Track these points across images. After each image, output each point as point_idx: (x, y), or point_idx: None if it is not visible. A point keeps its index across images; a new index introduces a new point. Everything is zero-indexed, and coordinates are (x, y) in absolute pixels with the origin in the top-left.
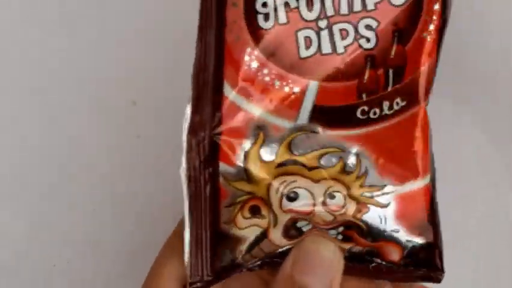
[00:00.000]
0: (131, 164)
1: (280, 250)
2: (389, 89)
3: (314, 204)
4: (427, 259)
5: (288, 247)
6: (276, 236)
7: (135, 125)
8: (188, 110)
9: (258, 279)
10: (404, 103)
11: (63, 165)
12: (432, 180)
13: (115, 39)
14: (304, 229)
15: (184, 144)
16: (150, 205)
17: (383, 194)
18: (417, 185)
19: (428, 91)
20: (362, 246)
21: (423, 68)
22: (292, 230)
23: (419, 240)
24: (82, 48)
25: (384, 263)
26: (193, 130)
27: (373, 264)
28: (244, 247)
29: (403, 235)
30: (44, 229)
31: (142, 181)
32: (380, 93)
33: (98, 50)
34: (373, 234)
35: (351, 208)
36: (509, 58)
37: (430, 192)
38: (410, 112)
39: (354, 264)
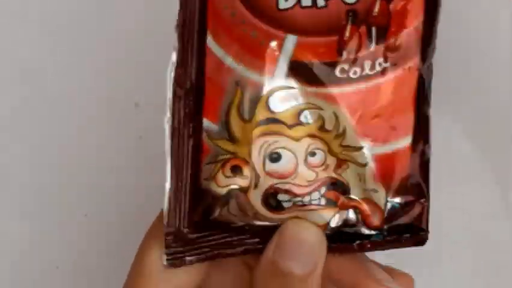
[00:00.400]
0: (133, 165)
1: (259, 223)
2: (371, 48)
3: (297, 164)
4: (408, 221)
5: (268, 223)
6: (255, 198)
7: (137, 127)
8: (173, 57)
9: (241, 265)
10: (387, 64)
11: (64, 166)
12: (424, 142)
13: (118, 40)
14: (284, 204)
15: (170, 95)
16: (153, 206)
17: (361, 154)
18: (397, 145)
19: (419, 51)
20: (345, 208)
21: (409, 30)
22: (271, 200)
23: (398, 201)
24: (83, 49)
25: (366, 232)
26: (178, 81)
27: (357, 242)
28: (222, 203)
29: (382, 195)
30: (45, 230)
31: (144, 182)
32: (361, 51)
33: (100, 50)
34: (354, 190)
35: (332, 164)
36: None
37: (411, 152)
38: (393, 74)
39: (338, 244)
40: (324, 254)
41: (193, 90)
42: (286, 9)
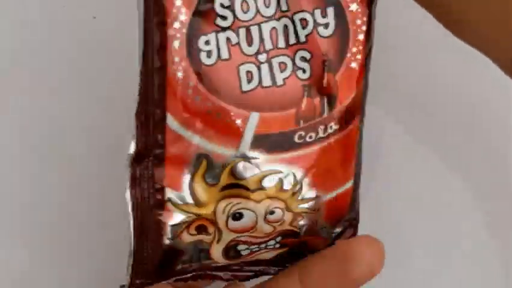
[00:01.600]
0: None
1: (214, 265)
2: (324, 115)
3: (256, 221)
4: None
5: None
6: (217, 252)
7: None
8: (132, 145)
9: None
10: (337, 126)
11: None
12: (356, 181)
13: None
14: (242, 252)
15: (129, 173)
16: None
17: (315, 202)
18: (343, 188)
19: (358, 113)
20: (292, 246)
21: (353, 95)
22: (232, 251)
23: (340, 229)
24: None
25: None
26: (137, 158)
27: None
28: (185, 258)
29: (329, 230)
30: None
31: None
32: (316, 119)
33: None
34: (305, 234)
35: (288, 219)
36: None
37: (351, 192)
38: (342, 133)
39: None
40: None
41: (154, 165)
42: (250, 91)
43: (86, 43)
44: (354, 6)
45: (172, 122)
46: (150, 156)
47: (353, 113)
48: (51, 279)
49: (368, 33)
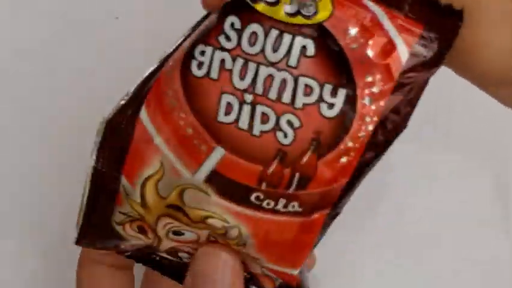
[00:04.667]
0: None
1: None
2: (290, 190)
3: (199, 238)
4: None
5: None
6: (158, 249)
7: None
8: (115, 106)
9: None
10: (300, 209)
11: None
12: (301, 272)
13: None
14: (184, 259)
15: (99, 137)
16: None
17: (258, 262)
18: (287, 271)
19: (329, 207)
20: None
21: (330, 187)
22: (172, 254)
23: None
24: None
25: None
26: (108, 132)
27: None
28: (127, 243)
29: (275, 278)
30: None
31: None
32: (280, 190)
33: None
34: (252, 266)
35: (233, 244)
36: None
37: (298, 280)
38: (301, 219)
39: None
40: (241, 274)
41: (119, 147)
42: (224, 123)
43: (108, 43)
44: (367, 101)
45: (145, 116)
46: (120, 135)
47: (323, 205)
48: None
49: (374, 137)
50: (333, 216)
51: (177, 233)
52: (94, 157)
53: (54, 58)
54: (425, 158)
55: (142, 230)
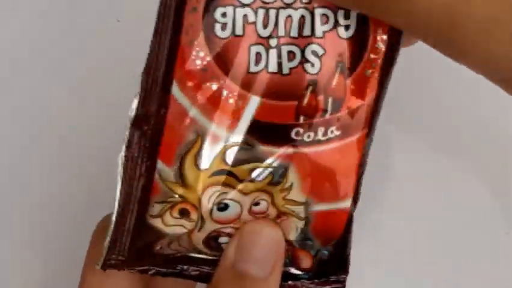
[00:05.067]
0: None
1: (197, 255)
2: (327, 116)
3: (241, 213)
4: (334, 267)
5: (203, 256)
6: (197, 239)
7: None
8: (134, 103)
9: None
10: (338, 132)
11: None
12: (354, 203)
13: None
14: (223, 245)
15: (127, 134)
16: None
17: (303, 209)
18: (337, 206)
19: (368, 124)
20: None
21: (362, 103)
22: (212, 242)
23: (329, 251)
24: None
25: (297, 272)
26: (137, 122)
27: (289, 283)
28: (165, 241)
29: (316, 246)
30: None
31: None
32: (317, 118)
33: None
34: (288, 241)
35: (272, 214)
36: None
37: (348, 214)
38: (343, 142)
39: None
40: (283, 255)
41: (151, 133)
42: (255, 73)
43: (110, 46)
44: None
45: (177, 91)
46: (150, 123)
47: (359, 124)
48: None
49: (390, 44)
50: (370, 137)
51: (222, 208)
52: (123, 153)
53: (55, 61)
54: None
55: (184, 213)
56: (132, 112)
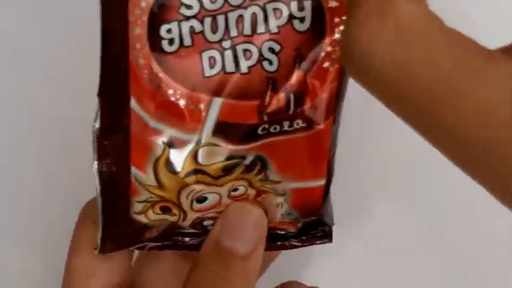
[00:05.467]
0: None
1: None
2: (290, 112)
3: (220, 200)
4: (319, 223)
5: (194, 231)
6: (184, 225)
7: None
8: (97, 120)
9: (177, 258)
10: (304, 124)
11: None
12: (327, 182)
13: None
14: (209, 228)
15: (95, 145)
16: None
17: (280, 186)
18: (312, 184)
19: (332, 112)
20: None
21: (324, 95)
22: (198, 227)
23: (311, 218)
24: None
25: (284, 232)
26: (103, 135)
27: (278, 243)
28: (153, 230)
29: (297, 217)
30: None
31: None
32: (280, 115)
33: None
34: (271, 216)
35: (252, 194)
36: None
37: (323, 191)
38: (310, 132)
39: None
40: (265, 231)
41: (119, 143)
42: (212, 76)
43: None
44: (333, 3)
45: (135, 105)
46: (116, 134)
47: (324, 114)
48: None
49: None
50: (337, 122)
51: (200, 200)
52: (96, 162)
53: (55, 61)
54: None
55: (165, 210)
56: (95, 126)
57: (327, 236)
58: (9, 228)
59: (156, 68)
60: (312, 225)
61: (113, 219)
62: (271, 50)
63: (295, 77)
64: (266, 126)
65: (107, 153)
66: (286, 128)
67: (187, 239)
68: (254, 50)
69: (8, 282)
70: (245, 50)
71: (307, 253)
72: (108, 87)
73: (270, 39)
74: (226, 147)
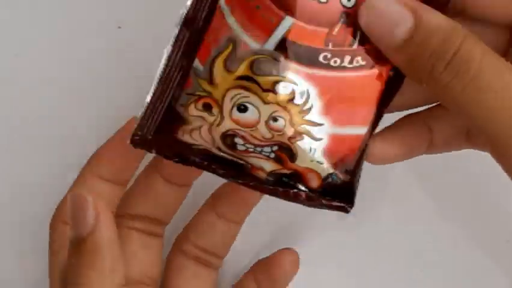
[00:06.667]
0: None
1: (216, 152)
2: (354, 46)
3: (258, 121)
4: (341, 192)
5: (223, 154)
6: (216, 133)
7: None
8: (188, 2)
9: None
10: (364, 62)
11: None
12: (369, 133)
13: None
14: (238, 146)
15: (176, 30)
16: None
17: (319, 129)
18: (353, 131)
19: (389, 62)
20: (288, 169)
21: None
22: (228, 139)
23: (338, 176)
24: None
25: (303, 188)
26: (187, 22)
27: (294, 190)
28: (187, 128)
29: (326, 168)
30: None
31: None
32: (344, 47)
33: None
34: (300, 159)
35: (289, 133)
36: None
37: (362, 141)
38: (367, 72)
39: (277, 187)
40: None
41: (197, 33)
42: None
43: (110, 52)
44: None
45: (222, 1)
46: (198, 24)
47: (384, 59)
48: None
49: None
50: (396, 74)
51: (241, 109)
52: (170, 46)
53: (56, 67)
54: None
55: (206, 107)
56: (184, 12)
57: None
58: (9, 228)
59: None
60: (336, 189)
61: (158, 103)
62: None
63: None
64: (328, 55)
65: (182, 40)
66: (346, 63)
67: (212, 163)
68: None
69: (8, 281)
70: None
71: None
72: None
73: None
74: (285, 64)
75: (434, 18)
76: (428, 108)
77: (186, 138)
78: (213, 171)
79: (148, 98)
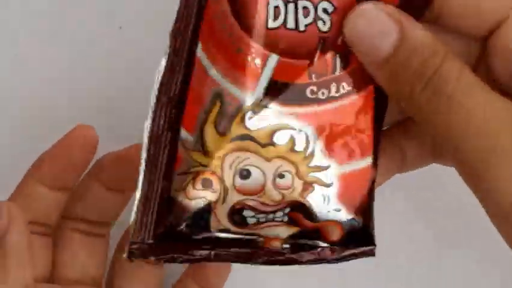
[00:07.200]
0: None
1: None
2: (336, 73)
3: (265, 183)
4: (362, 235)
5: (232, 236)
6: (222, 213)
7: None
8: (162, 65)
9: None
10: (349, 88)
11: None
12: (374, 164)
13: None
14: (248, 220)
15: (153, 101)
16: None
17: (327, 173)
18: (360, 165)
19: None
20: (305, 228)
21: None
22: (236, 216)
23: (357, 219)
24: None
25: (325, 245)
26: (163, 89)
27: (318, 250)
28: (189, 216)
29: (344, 214)
30: None
31: None
32: (327, 76)
33: None
34: (317, 214)
35: (298, 187)
36: None
37: (371, 173)
38: (355, 96)
39: (300, 252)
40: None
41: (176, 99)
42: (273, 29)
43: (111, 53)
44: None
45: (200, 51)
46: (176, 88)
47: (368, 78)
48: None
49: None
50: (379, 93)
51: (244, 175)
52: (150, 121)
53: (56, 67)
54: None
55: (206, 184)
56: (159, 77)
57: (370, 254)
58: None
59: (225, 6)
60: (356, 235)
61: (151, 202)
62: (325, 10)
63: (341, 38)
64: (314, 88)
65: (161, 113)
66: (333, 93)
67: (221, 250)
68: (311, 8)
69: None
70: (304, 7)
71: None
72: (182, 30)
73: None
74: (277, 110)
75: (419, 34)
76: (397, 126)
77: (188, 231)
78: (224, 261)
79: (137, 196)
